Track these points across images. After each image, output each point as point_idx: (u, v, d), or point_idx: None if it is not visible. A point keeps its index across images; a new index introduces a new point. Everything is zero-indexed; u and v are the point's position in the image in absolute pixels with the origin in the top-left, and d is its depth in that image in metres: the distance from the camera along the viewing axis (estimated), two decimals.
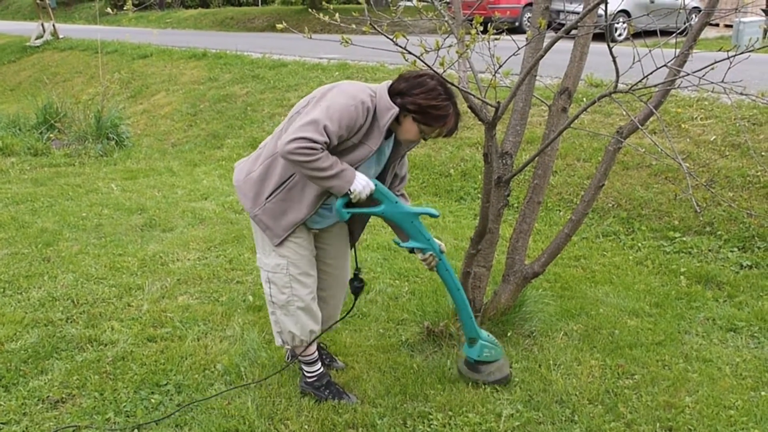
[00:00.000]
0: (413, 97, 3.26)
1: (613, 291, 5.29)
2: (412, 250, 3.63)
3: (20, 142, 10.21)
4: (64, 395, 3.79)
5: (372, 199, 3.37)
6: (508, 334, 4.38)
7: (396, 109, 3.24)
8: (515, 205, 7.12)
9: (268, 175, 3.39)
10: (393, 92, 3.31)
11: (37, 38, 23.46)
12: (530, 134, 7.98)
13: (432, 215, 3.49)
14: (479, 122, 8.75)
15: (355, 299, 3.79)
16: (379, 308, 4.89)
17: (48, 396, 3.78)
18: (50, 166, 9.39)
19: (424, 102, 3.25)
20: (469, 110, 3.63)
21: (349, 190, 3.23)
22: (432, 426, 3.53)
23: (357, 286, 3.70)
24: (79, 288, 5.19)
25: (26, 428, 3.50)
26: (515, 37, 3.76)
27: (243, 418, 3.55)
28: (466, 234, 6.51)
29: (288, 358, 4.11)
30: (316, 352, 3.79)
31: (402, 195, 3.70)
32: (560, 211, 7.08)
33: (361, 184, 3.24)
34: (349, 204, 3.35)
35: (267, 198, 3.40)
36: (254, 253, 5.98)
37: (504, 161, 4.20)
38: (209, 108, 12.46)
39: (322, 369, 3.81)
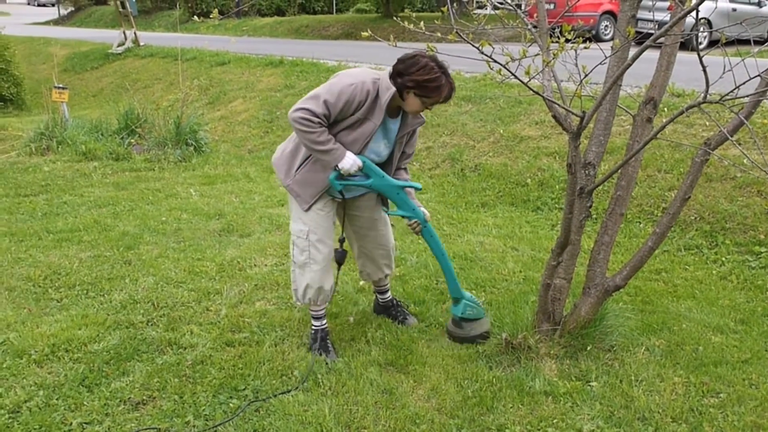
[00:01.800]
0: (411, 75, 3.75)
1: (696, 306, 5.16)
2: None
3: (102, 147, 10.48)
4: (144, 397, 3.86)
5: (362, 173, 3.97)
6: (588, 348, 4.30)
7: (393, 89, 3.80)
8: (594, 216, 7.01)
9: (298, 151, 4.03)
10: (394, 73, 3.82)
11: (118, 45, 24.08)
12: (610, 144, 7.85)
13: (415, 188, 4.11)
14: (557, 131, 8.71)
15: (338, 268, 4.35)
16: None
17: (129, 397, 3.85)
18: (131, 171, 9.61)
19: (420, 78, 3.73)
20: (551, 119, 3.59)
21: (337, 166, 3.85)
22: None
23: (339, 252, 4.30)
24: (159, 291, 5.30)
25: (108, 428, 3.57)
26: (595, 45, 3.70)
27: (320, 425, 3.56)
28: (544, 245, 6.44)
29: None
30: (323, 310, 4.36)
31: (404, 169, 4.31)
32: (640, 223, 6.95)
33: (349, 162, 3.85)
34: (342, 177, 3.94)
35: (296, 170, 4.02)
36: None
37: (587, 172, 4.14)
38: (285, 115, 12.58)
39: (324, 325, 4.38)
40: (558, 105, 3.51)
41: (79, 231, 6.78)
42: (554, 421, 3.62)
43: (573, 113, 3.42)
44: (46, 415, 3.66)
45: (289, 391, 3.90)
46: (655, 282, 5.64)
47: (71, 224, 7.00)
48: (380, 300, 4.85)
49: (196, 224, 7.06)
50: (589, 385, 3.99)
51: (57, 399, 3.83)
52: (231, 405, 3.77)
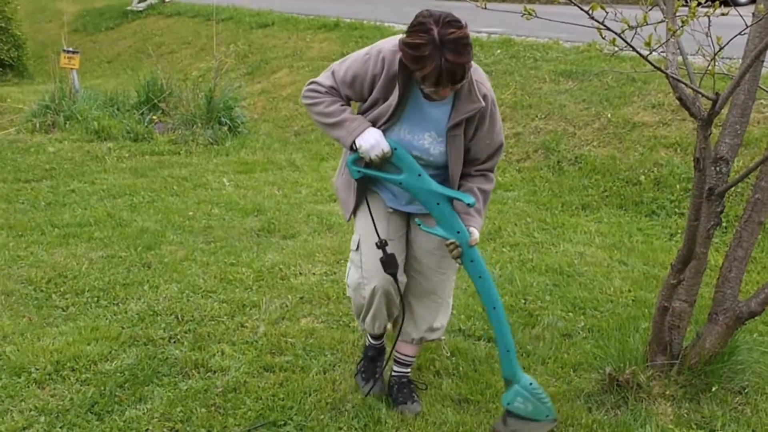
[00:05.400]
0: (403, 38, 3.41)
1: None
2: None
3: (118, 124, 10.67)
4: (165, 430, 3.93)
5: (392, 164, 3.62)
6: (713, 389, 4.26)
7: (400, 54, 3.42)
8: (725, 224, 6.92)
9: None
10: None
11: (139, 2, 24.45)
12: (747, 135, 7.73)
13: (465, 201, 3.56)
14: (680, 117, 8.62)
15: (396, 281, 3.87)
16: (547, 347, 4.85)
17: (147, 429, 3.92)
18: (152, 154, 9.78)
19: (403, 39, 3.36)
20: (673, 102, 3.56)
21: (354, 143, 3.55)
22: None
23: (384, 261, 3.79)
24: (185, 302, 5.39)
25: None
26: (734, 11, 3.65)
27: None
28: (659, 258, 6.38)
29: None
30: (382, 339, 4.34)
31: (483, 176, 3.81)
32: None
33: (369, 141, 3.53)
34: (362, 163, 3.65)
35: (343, 168, 3.92)
36: None
37: (718, 168, 4.10)
38: None
39: (380, 343, 4.36)
40: (685, 84, 3.48)
41: (90, 226, 6.93)
42: None
43: (703, 95, 3.39)
44: None
45: (341, 427, 3.94)
46: None
47: (80, 217, 7.15)
48: (393, 372, 4.32)
49: (229, 221, 7.17)
50: None
51: (61, 427, 3.91)
52: None
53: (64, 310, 5.24)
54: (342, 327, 5.05)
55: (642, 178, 8.07)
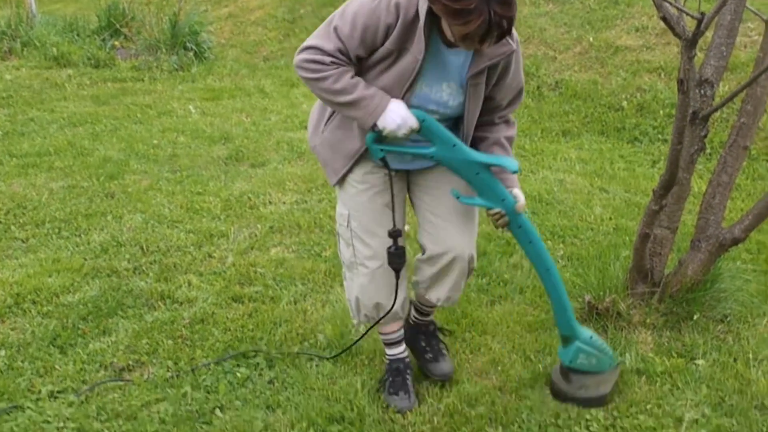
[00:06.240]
0: None
1: None
2: None
3: (79, 50, 10.57)
4: (131, 362, 3.94)
5: (420, 137, 3.19)
6: (695, 318, 4.29)
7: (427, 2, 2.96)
8: (709, 151, 6.95)
9: None
10: None
11: None
12: (733, 59, 7.72)
13: (509, 169, 3.23)
14: (664, 41, 8.60)
15: (396, 276, 3.45)
16: (525, 275, 4.87)
17: (112, 362, 3.93)
18: (114, 81, 9.69)
19: None
20: (657, 25, 3.54)
21: (375, 125, 3.10)
22: (591, 428, 3.50)
23: (392, 253, 3.38)
24: (150, 232, 5.39)
25: (86, 399, 3.65)
26: None
27: (350, 402, 3.61)
28: (641, 185, 6.41)
29: None
30: (400, 332, 3.77)
31: (506, 121, 3.46)
32: None
33: (395, 120, 3.07)
34: (384, 139, 3.17)
35: (326, 124, 3.41)
36: None
37: (703, 91, 4.09)
38: (312, 14, 12.55)
39: (402, 355, 3.77)
40: (669, 3, 3.46)
41: (50, 155, 6.89)
42: (648, 406, 3.63)
43: (688, 14, 3.37)
44: (9, 381, 3.75)
45: (312, 358, 3.97)
46: None
47: (39, 146, 7.11)
48: (414, 317, 3.96)
49: (196, 149, 7.15)
50: (695, 364, 3.98)
51: (22, 361, 3.92)
52: (238, 375, 3.84)
53: (24, 242, 5.22)
54: (313, 256, 5.07)
55: (624, 103, 8.07)
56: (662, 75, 8.24)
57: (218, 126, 7.86)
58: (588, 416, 3.57)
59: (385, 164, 3.23)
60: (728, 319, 4.38)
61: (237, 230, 5.42)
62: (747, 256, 5.19)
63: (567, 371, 3.71)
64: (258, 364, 3.94)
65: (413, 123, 3.08)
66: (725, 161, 4.30)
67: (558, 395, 3.71)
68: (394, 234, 3.34)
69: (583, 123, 8.00)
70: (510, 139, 3.44)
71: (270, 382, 3.81)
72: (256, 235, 5.37)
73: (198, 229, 5.43)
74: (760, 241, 5.41)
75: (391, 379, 3.73)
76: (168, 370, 3.87)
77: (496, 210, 3.31)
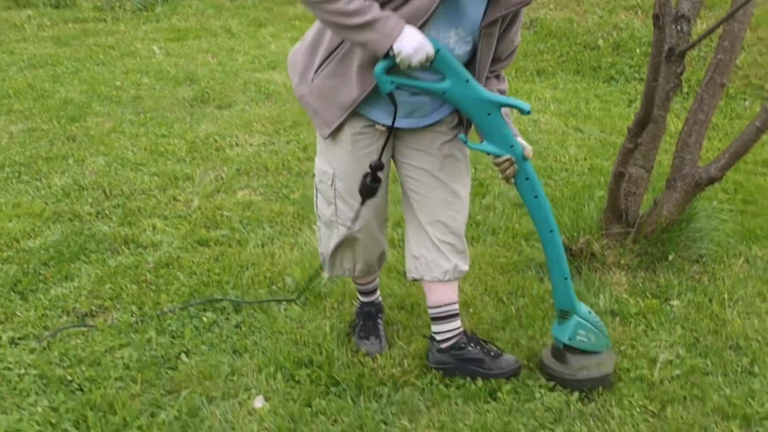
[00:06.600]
0: None
1: None
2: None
3: None
4: (94, 307, 3.92)
5: (432, 70, 3.01)
6: (670, 258, 4.31)
7: None
8: (686, 89, 6.95)
9: (320, 41, 3.15)
10: None
11: None
12: None
13: (521, 110, 3.09)
14: None
15: (362, 201, 3.26)
16: (497, 217, 4.88)
17: (74, 307, 3.91)
18: (76, 22, 9.58)
19: None
20: None
21: (392, 49, 2.86)
22: None
23: (367, 183, 3.21)
24: (113, 175, 5.35)
25: (48, 346, 3.63)
26: None
27: (318, 346, 3.61)
28: (617, 125, 6.41)
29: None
30: (375, 282, 3.75)
31: (496, 77, 3.33)
32: (746, 100, 6.92)
33: (412, 44, 2.84)
34: (395, 71, 2.97)
35: (317, 70, 3.17)
36: None
37: (679, 27, 4.08)
38: None
39: (375, 299, 3.77)
40: None
41: (9, 97, 6.82)
42: (622, 348, 3.65)
43: None
44: None
45: (280, 301, 3.97)
46: (761, 176, 5.63)
47: None
48: (439, 335, 3.55)
49: (160, 91, 7.09)
50: (669, 305, 4.01)
51: None
52: (204, 320, 3.83)
53: None
54: (281, 199, 5.05)
55: (600, 42, 8.06)
56: (639, 12, 8.23)
57: (183, 67, 7.80)
58: None
59: (392, 100, 3.00)
60: (703, 259, 4.41)
61: (203, 173, 5.39)
62: (723, 196, 5.22)
63: (563, 352, 3.45)
64: (224, 308, 3.93)
65: (430, 49, 2.87)
66: (702, 99, 4.30)
67: (555, 379, 3.45)
68: (375, 166, 3.15)
69: (558, 62, 7.99)
70: (503, 93, 3.32)
71: (237, 326, 3.80)
72: (222, 178, 5.34)
73: (162, 172, 5.39)
74: (737, 181, 5.44)
75: (362, 323, 3.73)
76: (132, 315, 3.85)
77: (505, 157, 3.14)
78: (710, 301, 4.06)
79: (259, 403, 3.25)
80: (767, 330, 3.83)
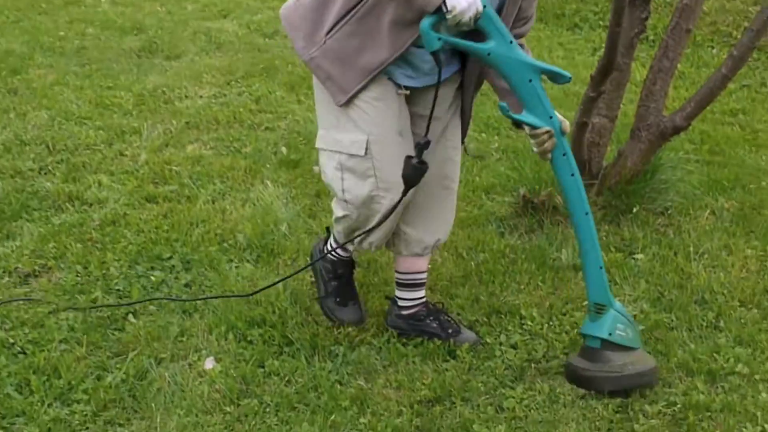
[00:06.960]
0: None
1: None
2: (518, 124, 3.12)
3: None
4: (37, 267, 3.86)
5: (476, 32, 2.87)
6: (634, 210, 4.32)
7: None
8: (651, 37, 6.94)
9: None
10: None
11: None
12: None
13: (563, 77, 2.98)
14: None
15: (405, 191, 3.05)
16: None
17: (16, 267, 3.84)
18: None
19: None
20: None
21: (444, 4, 2.70)
22: (525, 327, 3.52)
23: (413, 169, 3.02)
24: (56, 130, 5.27)
25: None
26: None
27: (272, 305, 3.57)
28: (581, 75, 6.35)
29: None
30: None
31: (520, 46, 3.06)
32: (713, 48, 6.93)
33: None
34: (441, 28, 2.85)
35: (329, 32, 2.98)
36: (290, 92, 5.95)
37: None
38: None
39: (350, 255, 3.53)
40: None
41: None
42: (584, 303, 3.63)
43: None
44: None
45: (231, 261, 3.92)
46: (728, 126, 5.65)
47: None
48: (403, 299, 3.51)
49: (106, 41, 7.00)
50: (633, 258, 4.02)
51: None
52: (153, 279, 3.79)
53: None
54: (232, 153, 5.01)
55: None
56: None
57: (130, 16, 7.71)
58: (522, 314, 3.57)
59: (436, 60, 2.84)
60: (669, 211, 4.42)
61: (150, 126, 5.33)
62: (689, 146, 5.23)
63: (600, 352, 3.15)
64: (174, 266, 3.90)
65: (479, 6, 2.73)
66: (667, 45, 4.29)
67: (596, 384, 3.14)
68: (421, 144, 2.96)
69: None
70: None
71: (186, 285, 3.76)
72: (170, 132, 5.29)
73: (108, 126, 5.32)
74: (703, 131, 5.45)
75: (337, 286, 3.48)
76: (77, 275, 3.79)
77: (545, 129, 2.99)
78: (675, 254, 4.07)
79: (209, 364, 3.21)
80: (733, 284, 3.85)
